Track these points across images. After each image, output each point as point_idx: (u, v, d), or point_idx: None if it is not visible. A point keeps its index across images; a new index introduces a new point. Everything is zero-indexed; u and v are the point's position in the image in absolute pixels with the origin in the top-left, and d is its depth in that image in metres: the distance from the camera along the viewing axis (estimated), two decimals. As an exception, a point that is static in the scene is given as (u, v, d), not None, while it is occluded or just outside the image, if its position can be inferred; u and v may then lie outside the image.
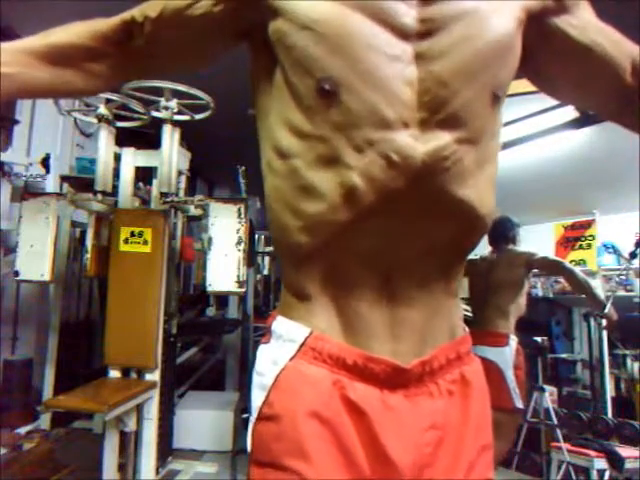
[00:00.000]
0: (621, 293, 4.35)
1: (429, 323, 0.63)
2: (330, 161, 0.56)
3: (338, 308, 0.61)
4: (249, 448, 0.62)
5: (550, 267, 2.78)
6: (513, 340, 2.60)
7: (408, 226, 0.58)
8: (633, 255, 4.51)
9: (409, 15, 0.56)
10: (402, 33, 0.55)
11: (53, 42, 0.66)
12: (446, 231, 0.61)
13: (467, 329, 0.70)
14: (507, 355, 2.55)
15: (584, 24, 0.67)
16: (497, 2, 0.59)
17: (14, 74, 0.63)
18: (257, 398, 0.62)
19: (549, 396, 3.39)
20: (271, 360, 0.62)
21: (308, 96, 0.57)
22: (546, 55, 0.69)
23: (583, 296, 2.69)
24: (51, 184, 3.17)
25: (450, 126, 0.56)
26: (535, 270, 2.74)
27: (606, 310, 2.48)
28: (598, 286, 4.30)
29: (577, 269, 2.64)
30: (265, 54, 0.62)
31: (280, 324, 0.64)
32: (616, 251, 4.71)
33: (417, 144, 0.55)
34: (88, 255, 2.66)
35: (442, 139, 0.56)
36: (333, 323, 0.61)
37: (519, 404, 2.55)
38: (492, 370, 2.38)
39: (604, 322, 2.54)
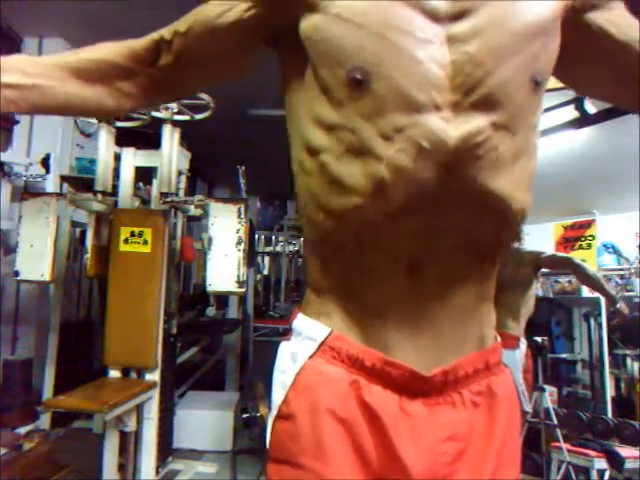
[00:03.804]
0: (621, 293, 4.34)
1: (457, 329, 0.60)
2: (358, 153, 0.54)
3: (361, 307, 0.60)
4: (267, 445, 0.62)
5: (560, 264, 2.79)
6: (523, 343, 2.61)
7: (439, 220, 0.56)
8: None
9: None
10: (433, 15, 0.53)
11: (87, 57, 0.65)
12: (477, 226, 0.58)
13: (499, 337, 0.67)
14: (517, 358, 2.56)
15: (620, 20, 0.64)
16: None
17: (46, 87, 0.61)
18: (277, 396, 0.62)
19: (549, 396, 3.38)
20: (290, 356, 0.62)
21: (338, 89, 0.55)
22: (580, 50, 0.66)
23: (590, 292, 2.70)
24: (51, 184, 3.17)
25: (485, 108, 0.53)
26: (544, 270, 2.75)
27: (618, 305, 2.49)
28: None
29: (586, 264, 2.64)
30: (295, 55, 0.61)
31: (300, 322, 0.64)
32: (616, 251, 4.71)
33: (449, 127, 0.52)
34: (88, 255, 2.66)
35: (476, 122, 0.53)
36: (354, 323, 0.60)
37: (527, 407, 2.56)
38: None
39: (616, 320, 2.56)
